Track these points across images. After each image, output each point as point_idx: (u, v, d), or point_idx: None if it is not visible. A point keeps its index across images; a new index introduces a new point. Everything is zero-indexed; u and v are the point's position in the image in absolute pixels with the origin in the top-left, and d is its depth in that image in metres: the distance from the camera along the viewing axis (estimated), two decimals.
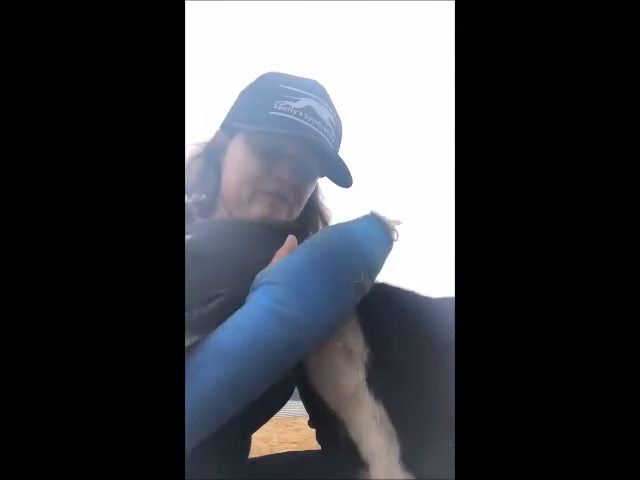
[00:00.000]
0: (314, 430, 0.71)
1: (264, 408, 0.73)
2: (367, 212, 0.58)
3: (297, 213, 0.74)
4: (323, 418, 0.59)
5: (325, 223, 0.81)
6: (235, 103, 0.75)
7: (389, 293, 0.59)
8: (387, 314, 0.58)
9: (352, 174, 0.71)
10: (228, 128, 0.74)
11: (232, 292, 0.52)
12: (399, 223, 0.57)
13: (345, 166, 0.71)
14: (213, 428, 0.47)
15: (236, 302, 0.51)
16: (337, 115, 0.74)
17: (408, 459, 0.51)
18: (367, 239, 0.54)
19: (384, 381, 0.54)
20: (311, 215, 0.80)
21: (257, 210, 0.69)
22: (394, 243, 0.56)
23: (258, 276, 0.52)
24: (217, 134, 0.76)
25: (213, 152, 0.74)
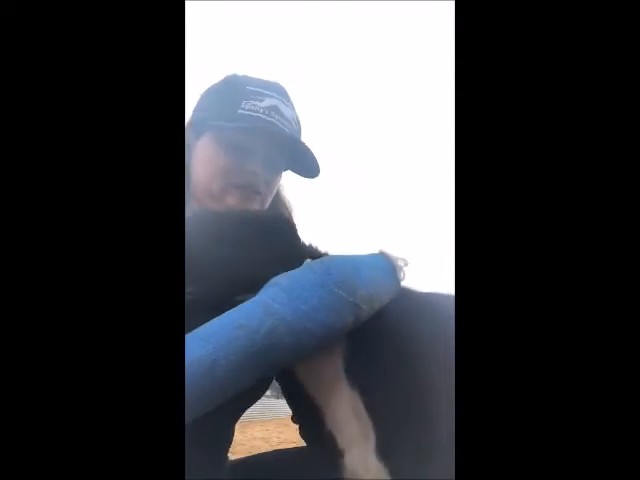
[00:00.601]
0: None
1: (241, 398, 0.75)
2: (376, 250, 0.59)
3: (267, 205, 0.78)
4: (307, 412, 0.59)
5: (290, 213, 0.84)
6: (199, 104, 0.78)
7: None
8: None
9: (319, 164, 0.76)
10: (195, 128, 0.76)
11: (202, 290, 0.53)
12: (407, 263, 0.58)
13: (313, 156, 0.75)
14: (195, 413, 0.47)
15: (207, 301, 0.52)
16: (296, 113, 0.79)
17: (383, 450, 0.51)
18: (370, 268, 0.56)
19: (363, 372, 0.55)
20: (278, 206, 0.84)
21: (230, 203, 0.72)
22: (400, 282, 0.57)
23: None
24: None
25: None
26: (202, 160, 0.74)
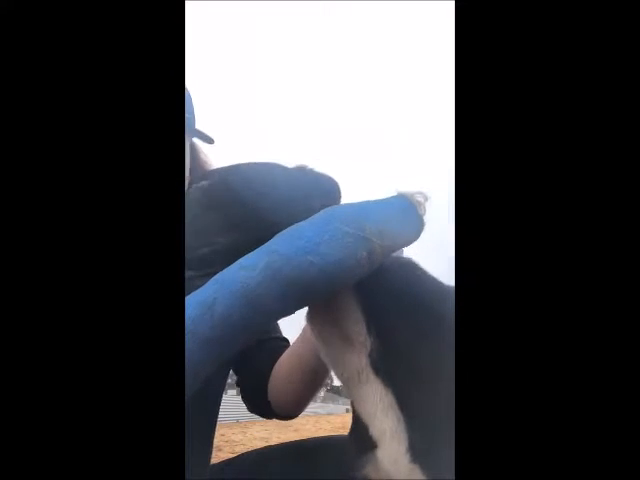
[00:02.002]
0: (312, 429, 0.72)
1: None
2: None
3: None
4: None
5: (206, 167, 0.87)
6: None
7: (393, 273, 0.56)
8: (390, 298, 0.54)
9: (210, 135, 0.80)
10: None
11: (229, 242, 0.52)
12: (427, 198, 0.54)
13: (201, 132, 0.80)
14: (196, 364, 0.45)
15: (232, 252, 0.51)
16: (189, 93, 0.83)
17: (415, 450, 0.49)
18: (381, 207, 0.52)
19: (390, 367, 0.52)
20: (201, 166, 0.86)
21: None
22: (422, 218, 0.53)
23: None
24: None
25: None
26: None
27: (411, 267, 0.57)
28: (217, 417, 0.77)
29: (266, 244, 0.49)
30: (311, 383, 0.76)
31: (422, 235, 0.54)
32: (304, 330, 0.73)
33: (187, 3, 0.44)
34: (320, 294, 0.49)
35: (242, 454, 0.80)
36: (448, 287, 0.56)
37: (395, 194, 0.54)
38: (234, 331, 0.46)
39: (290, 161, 0.87)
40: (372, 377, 0.52)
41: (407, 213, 0.52)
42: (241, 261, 0.48)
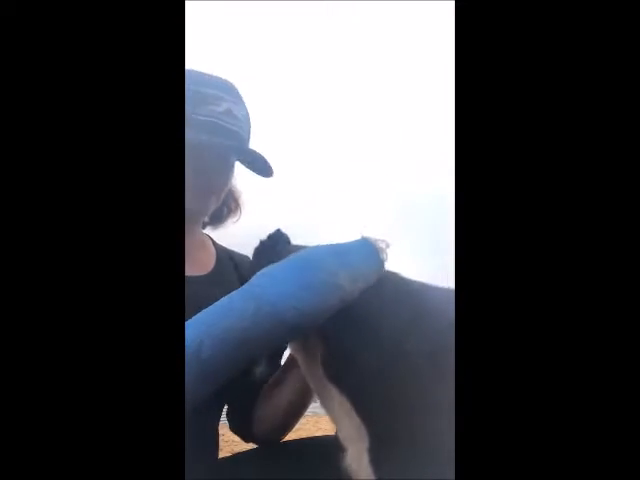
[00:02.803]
0: (313, 429, 0.73)
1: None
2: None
3: (222, 197, 0.81)
4: None
5: (236, 201, 0.89)
6: None
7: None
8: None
9: (270, 165, 0.77)
10: None
11: None
12: (388, 245, 0.59)
13: (262, 157, 0.77)
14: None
15: None
16: (247, 109, 0.80)
17: (376, 450, 0.51)
18: (350, 252, 0.57)
19: (341, 374, 0.56)
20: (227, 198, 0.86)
21: (192, 205, 0.72)
22: (383, 263, 0.58)
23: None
24: None
25: None
26: None
27: None
28: (216, 449, 0.78)
29: (249, 286, 0.54)
30: (298, 409, 0.78)
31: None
32: (290, 355, 0.75)
33: (187, 3, 0.44)
34: (300, 334, 0.55)
35: (239, 453, 0.80)
36: (401, 288, 0.60)
37: (360, 238, 0.59)
38: (219, 371, 0.50)
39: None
40: (329, 385, 0.56)
41: (372, 258, 0.58)
42: (227, 304, 0.52)
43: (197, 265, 0.79)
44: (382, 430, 0.51)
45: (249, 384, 0.77)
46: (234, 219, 0.89)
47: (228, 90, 0.76)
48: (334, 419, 0.58)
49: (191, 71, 0.75)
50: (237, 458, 0.77)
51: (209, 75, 0.76)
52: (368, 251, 0.58)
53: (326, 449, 0.60)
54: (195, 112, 0.71)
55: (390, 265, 0.60)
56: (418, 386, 0.50)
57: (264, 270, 0.55)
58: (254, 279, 0.54)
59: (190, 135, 0.69)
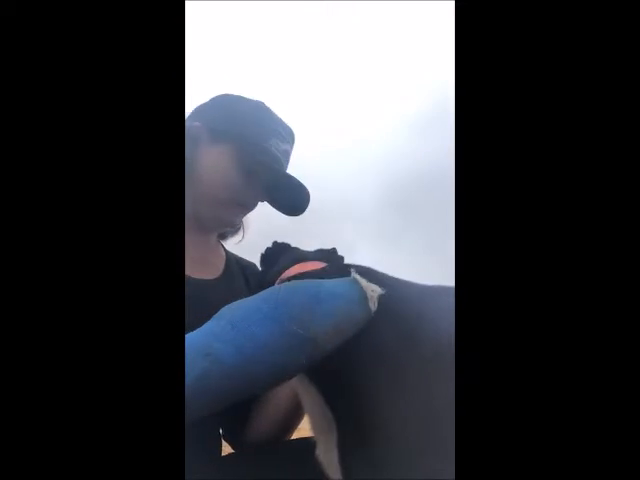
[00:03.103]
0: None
1: None
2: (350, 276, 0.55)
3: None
4: None
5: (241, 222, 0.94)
6: (217, 110, 0.82)
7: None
8: None
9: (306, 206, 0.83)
10: (213, 133, 0.79)
11: None
12: (379, 292, 0.52)
13: (293, 180, 0.81)
14: None
15: None
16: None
17: (343, 447, 0.50)
18: (333, 297, 0.50)
19: (315, 371, 0.53)
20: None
21: (227, 216, 0.82)
22: (371, 312, 0.51)
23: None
24: (196, 129, 0.79)
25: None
26: (214, 168, 0.79)
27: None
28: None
29: (207, 332, 0.48)
30: (291, 420, 0.78)
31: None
32: None
33: (187, 3, 0.44)
34: (265, 387, 0.50)
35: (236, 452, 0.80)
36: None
37: (349, 279, 0.53)
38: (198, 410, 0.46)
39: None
40: (306, 381, 0.56)
41: (358, 306, 0.50)
42: (204, 348, 0.46)
43: (210, 268, 0.84)
44: (351, 424, 0.50)
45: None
46: (236, 240, 0.94)
47: (292, 136, 0.84)
48: (307, 411, 0.58)
49: (268, 108, 0.83)
50: (237, 456, 0.77)
51: (279, 118, 0.84)
52: (353, 298, 0.51)
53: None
54: (271, 144, 0.79)
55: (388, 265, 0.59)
56: (391, 381, 0.48)
57: (227, 311, 0.50)
58: (214, 323, 0.49)
59: (264, 159, 0.77)
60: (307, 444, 0.77)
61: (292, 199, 0.82)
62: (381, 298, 0.52)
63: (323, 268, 0.62)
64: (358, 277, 0.52)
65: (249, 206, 0.83)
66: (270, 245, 0.77)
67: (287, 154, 0.82)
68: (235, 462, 0.73)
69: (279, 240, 0.83)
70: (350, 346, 0.50)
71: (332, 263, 0.64)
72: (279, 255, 0.71)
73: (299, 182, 0.80)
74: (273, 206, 0.84)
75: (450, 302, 0.48)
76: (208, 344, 0.46)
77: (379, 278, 0.56)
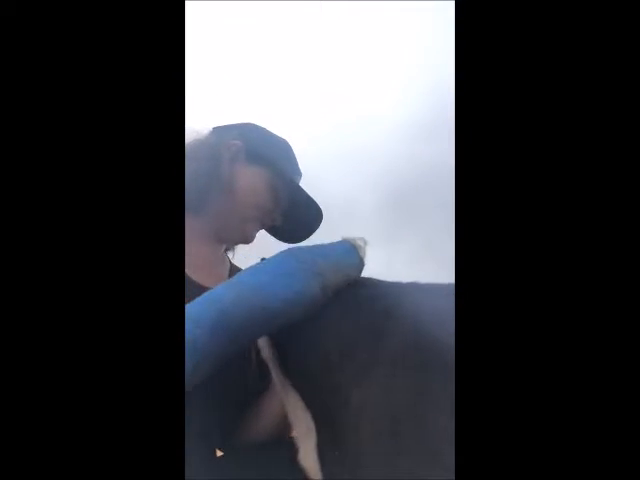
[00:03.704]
0: None
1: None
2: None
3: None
4: None
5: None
6: (251, 136, 0.87)
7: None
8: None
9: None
10: (249, 155, 0.85)
11: None
12: (366, 242, 0.62)
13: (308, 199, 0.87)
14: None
15: None
16: None
17: (321, 449, 0.51)
18: (329, 248, 0.60)
19: (291, 373, 0.57)
20: None
21: (247, 232, 0.86)
22: (363, 261, 0.61)
23: None
24: (237, 147, 0.84)
25: (214, 156, 0.83)
26: (248, 186, 0.84)
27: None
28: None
29: (231, 280, 0.56)
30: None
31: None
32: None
33: (187, 3, 0.44)
34: (285, 320, 0.55)
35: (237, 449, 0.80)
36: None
37: (340, 240, 0.62)
38: (212, 364, 0.51)
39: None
40: (287, 384, 0.58)
41: (351, 255, 0.60)
42: (211, 294, 0.53)
43: (215, 277, 0.85)
44: (327, 426, 0.51)
45: (239, 402, 0.79)
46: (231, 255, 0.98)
47: (301, 177, 0.91)
48: (289, 414, 0.59)
49: (291, 147, 0.90)
50: (237, 453, 0.77)
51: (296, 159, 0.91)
52: (346, 248, 0.60)
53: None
54: (295, 177, 0.87)
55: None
56: (360, 378, 0.49)
57: (245, 269, 0.57)
58: (236, 275, 0.57)
59: (292, 188, 0.85)
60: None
61: (307, 223, 0.89)
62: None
63: None
64: (346, 237, 0.62)
65: (267, 226, 0.88)
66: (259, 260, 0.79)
67: (300, 192, 0.87)
68: (235, 461, 0.73)
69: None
70: (319, 344, 0.54)
71: None
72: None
73: (318, 210, 0.87)
74: (285, 228, 0.89)
75: (420, 298, 0.54)
76: (235, 282, 0.54)
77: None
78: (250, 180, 0.84)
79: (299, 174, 0.90)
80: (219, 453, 0.78)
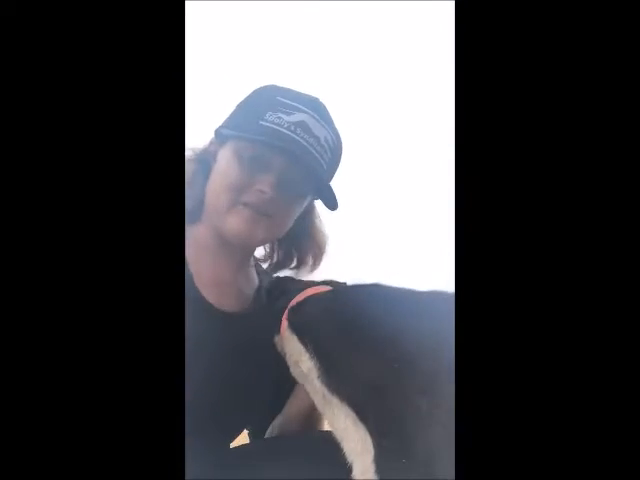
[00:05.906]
0: None
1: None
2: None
3: (280, 232, 0.73)
4: None
5: (319, 248, 0.80)
6: (232, 112, 0.75)
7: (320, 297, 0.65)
8: (319, 319, 0.61)
9: (337, 199, 0.69)
10: (219, 135, 0.73)
11: None
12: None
13: (330, 189, 0.69)
14: None
15: None
16: (337, 136, 0.73)
17: (381, 461, 0.50)
18: None
19: (339, 385, 0.55)
20: (302, 239, 0.80)
21: (233, 222, 0.68)
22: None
23: None
24: (211, 141, 0.76)
25: (204, 159, 0.74)
26: (218, 171, 0.70)
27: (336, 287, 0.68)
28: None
29: None
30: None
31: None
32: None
33: (187, 3, 0.44)
34: None
35: (247, 444, 0.80)
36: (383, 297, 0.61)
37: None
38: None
39: None
40: (329, 397, 0.56)
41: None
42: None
43: (235, 299, 0.74)
44: (387, 440, 0.50)
45: (272, 406, 0.77)
46: (305, 271, 0.82)
47: (311, 105, 0.69)
48: (337, 431, 0.56)
49: (281, 87, 0.71)
50: (248, 448, 0.77)
51: (298, 92, 0.71)
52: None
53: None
54: (262, 118, 0.66)
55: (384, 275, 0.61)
56: (420, 390, 0.49)
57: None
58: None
59: (245, 143, 0.66)
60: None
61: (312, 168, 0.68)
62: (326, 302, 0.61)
63: (330, 290, 0.67)
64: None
65: (261, 205, 0.68)
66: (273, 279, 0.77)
67: (303, 124, 0.66)
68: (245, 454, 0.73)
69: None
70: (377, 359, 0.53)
71: (337, 287, 0.70)
72: (285, 286, 0.72)
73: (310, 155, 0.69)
74: (319, 197, 0.72)
75: (388, 300, 0.57)
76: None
77: (334, 284, 0.67)
78: (218, 163, 0.71)
79: (286, 104, 0.68)
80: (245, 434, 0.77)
